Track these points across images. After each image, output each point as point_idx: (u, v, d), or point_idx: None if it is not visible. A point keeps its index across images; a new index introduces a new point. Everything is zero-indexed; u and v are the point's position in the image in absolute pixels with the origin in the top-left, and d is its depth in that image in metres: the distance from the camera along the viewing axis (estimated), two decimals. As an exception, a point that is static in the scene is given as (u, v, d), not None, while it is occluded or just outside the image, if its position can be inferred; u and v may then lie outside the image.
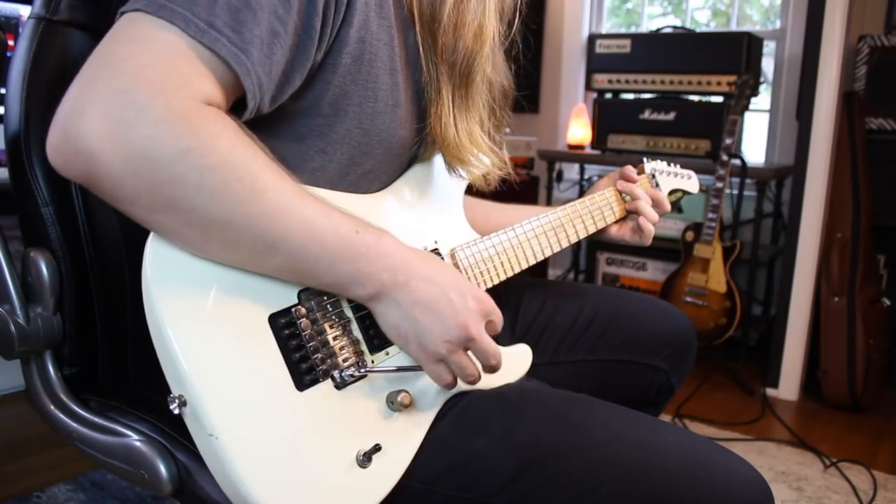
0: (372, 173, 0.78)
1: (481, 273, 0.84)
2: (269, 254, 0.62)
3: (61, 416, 0.85)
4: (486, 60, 0.78)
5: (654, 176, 1.08)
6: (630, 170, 1.02)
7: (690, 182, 1.15)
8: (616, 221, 1.02)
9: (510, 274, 0.86)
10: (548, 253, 0.92)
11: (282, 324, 0.66)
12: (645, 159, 1.10)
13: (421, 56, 0.76)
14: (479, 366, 0.71)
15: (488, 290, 0.83)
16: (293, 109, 0.70)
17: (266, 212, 0.59)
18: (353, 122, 0.72)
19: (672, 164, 1.12)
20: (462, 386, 0.77)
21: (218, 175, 0.57)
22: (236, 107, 0.63)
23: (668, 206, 1.03)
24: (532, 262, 0.89)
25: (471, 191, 0.91)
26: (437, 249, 0.82)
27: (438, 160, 0.84)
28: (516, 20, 0.85)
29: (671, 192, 1.10)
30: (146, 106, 0.54)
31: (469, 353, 0.70)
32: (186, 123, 0.55)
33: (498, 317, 0.72)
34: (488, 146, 0.83)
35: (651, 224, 1.00)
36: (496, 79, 0.85)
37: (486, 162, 0.84)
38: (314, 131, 0.72)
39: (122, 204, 0.58)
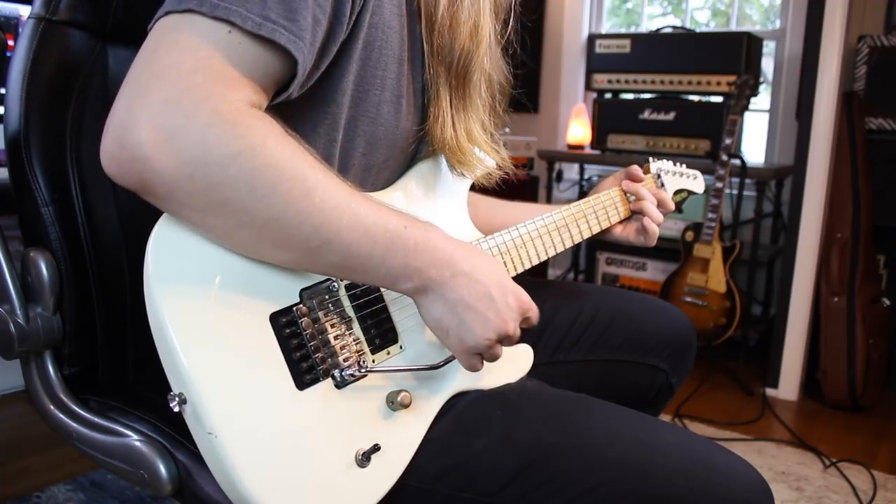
0: (376, 167, 0.78)
1: None
2: (323, 251, 0.62)
3: (61, 416, 0.85)
4: (483, 59, 0.79)
5: (659, 176, 1.08)
6: (636, 169, 1.02)
7: (696, 182, 1.14)
8: (620, 222, 1.02)
9: (513, 274, 0.86)
10: (552, 253, 0.91)
11: (283, 322, 0.66)
12: (651, 159, 1.10)
13: (425, 52, 0.76)
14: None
15: None
16: (309, 95, 0.70)
17: (317, 209, 0.60)
18: (360, 110, 0.73)
19: (678, 164, 1.12)
20: (462, 385, 0.78)
21: (268, 175, 0.58)
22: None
23: (672, 207, 1.03)
24: (536, 261, 0.89)
25: (473, 187, 0.91)
26: None
27: (441, 158, 0.85)
28: (511, 18, 0.85)
29: (676, 192, 1.10)
30: (194, 112, 0.55)
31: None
32: (235, 127, 0.56)
33: (535, 314, 0.73)
34: (489, 145, 0.83)
35: (655, 225, 1.00)
36: (494, 77, 0.85)
37: (489, 163, 0.85)
38: (326, 119, 0.72)
39: (175, 208, 0.59)
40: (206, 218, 0.60)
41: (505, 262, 0.85)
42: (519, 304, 0.71)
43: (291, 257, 0.63)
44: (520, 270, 0.87)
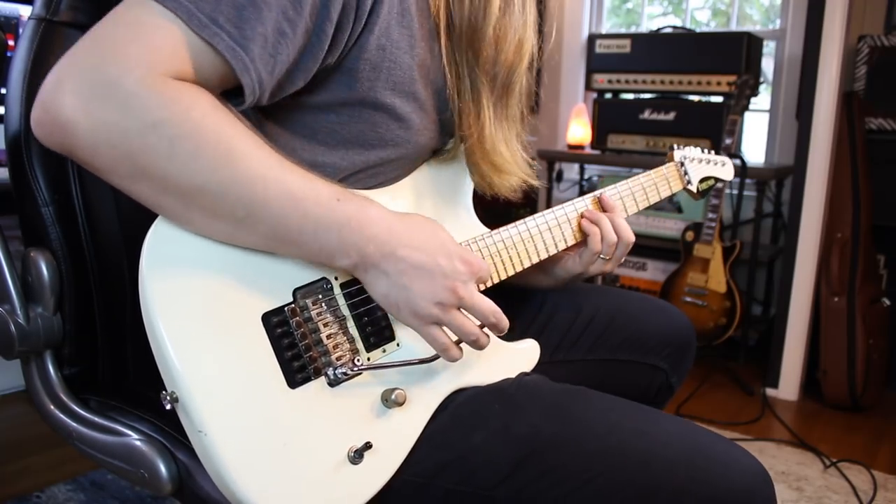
0: (382, 174, 0.78)
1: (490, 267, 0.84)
2: (251, 222, 0.62)
3: (61, 415, 0.85)
4: (525, 74, 0.80)
5: (682, 164, 1.06)
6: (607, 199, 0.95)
7: (724, 169, 1.11)
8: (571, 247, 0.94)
9: (519, 268, 0.86)
10: (561, 247, 0.90)
11: (274, 322, 0.67)
12: (675, 146, 1.08)
13: (445, 67, 0.77)
14: (475, 325, 0.71)
15: (494, 286, 0.83)
16: (307, 105, 0.71)
17: (242, 178, 0.60)
18: (368, 126, 0.73)
19: (705, 151, 1.10)
20: (461, 382, 0.78)
21: (190, 143, 0.58)
22: (233, 95, 0.64)
23: (630, 237, 0.93)
24: (544, 255, 0.88)
25: (475, 194, 0.91)
26: None
27: (452, 160, 0.85)
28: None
29: (703, 180, 1.08)
30: (119, 80, 0.56)
31: (465, 313, 0.70)
32: (158, 96, 0.57)
33: (487, 273, 0.72)
34: (522, 157, 0.84)
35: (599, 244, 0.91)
36: (526, 90, 0.86)
37: (523, 173, 0.85)
38: (325, 128, 0.73)
39: (101, 173, 0.60)
40: (133, 184, 0.60)
41: (511, 256, 0.85)
42: (468, 267, 0.70)
43: (222, 227, 0.63)
44: (526, 265, 0.86)
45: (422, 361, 0.73)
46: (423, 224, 0.70)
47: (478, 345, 0.72)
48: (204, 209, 0.61)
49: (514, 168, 0.83)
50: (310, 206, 0.63)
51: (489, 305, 0.71)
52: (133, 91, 0.56)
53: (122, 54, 0.57)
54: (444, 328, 0.70)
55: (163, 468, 0.75)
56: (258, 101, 0.64)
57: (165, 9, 0.58)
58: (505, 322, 0.72)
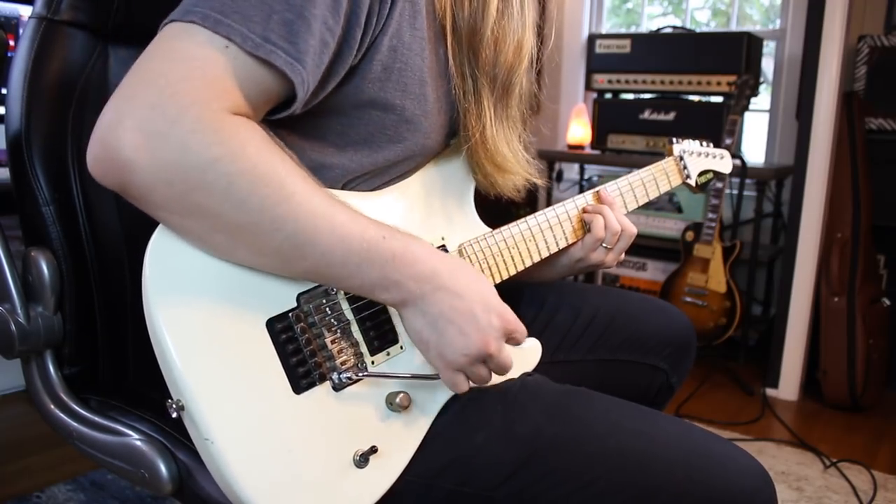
0: (389, 175, 0.78)
1: (489, 267, 0.84)
2: (297, 257, 0.63)
3: (61, 415, 0.85)
4: (524, 75, 0.81)
5: (682, 158, 1.06)
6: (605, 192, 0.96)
7: (723, 162, 1.10)
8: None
9: (521, 267, 0.86)
10: (563, 244, 0.91)
11: (279, 328, 0.66)
12: (674, 140, 1.08)
13: (452, 69, 0.77)
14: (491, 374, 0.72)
15: (498, 285, 0.83)
16: (318, 107, 0.71)
17: (293, 216, 0.60)
18: (377, 128, 0.73)
19: (704, 144, 1.09)
20: None
21: (246, 180, 0.58)
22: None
23: (632, 229, 0.93)
24: (545, 253, 0.89)
25: (477, 194, 0.91)
26: (444, 246, 0.82)
27: (453, 158, 0.85)
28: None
29: (702, 174, 1.08)
30: (178, 118, 0.56)
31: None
32: (216, 133, 0.57)
33: (521, 333, 0.72)
34: (524, 156, 0.85)
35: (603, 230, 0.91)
36: (526, 91, 0.86)
37: (525, 172, 0.85)
38: (335, 130, 0.73)
39: (153, 210, 0.60)
40: (183, 220, 0.60)
41: (512, 256, 0.85)
42: (503, 324, 0.70)
43: (266, 262, 0.64)
44: (528, 264, 0.87)
45: (426, 377, 0.73)
46: (468, 270, 0.71)
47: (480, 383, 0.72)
48: (251, 245, 0.62)
49: (517, 167, 0.83)
50: (355, 244, 0.63)
51: (509, 362, 0.71)
52: (192, 129, 0.56)
53: (179, 92, 0.56)
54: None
55: (163, 468, 0.75)
56: (295, 111, 0.65)
57: (216, 35, 0.58)
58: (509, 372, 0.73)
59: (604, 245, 0.92)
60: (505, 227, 0.86)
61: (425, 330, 0.68)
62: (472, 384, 0.72)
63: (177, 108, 0.56)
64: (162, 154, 0.56)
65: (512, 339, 0.72)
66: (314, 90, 0.65)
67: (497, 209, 0.97)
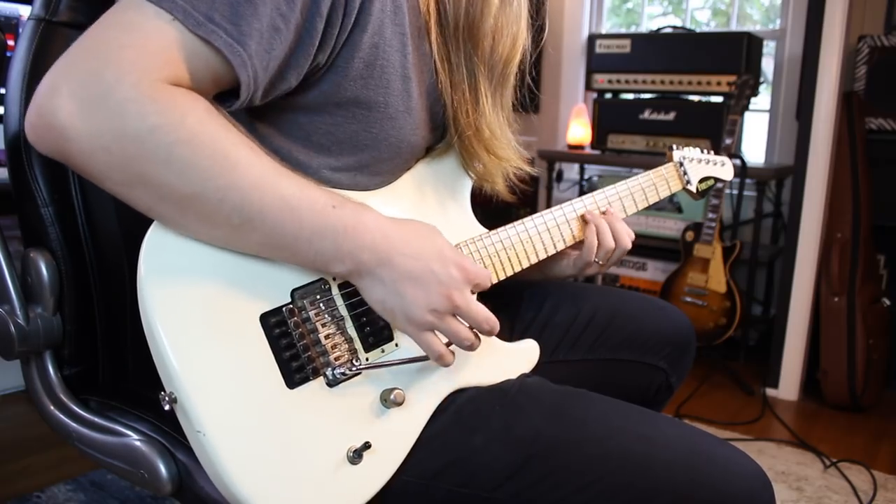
0: (377, 174, 0.78)
1: (486, 268, 0.84)
2: (247, 229, 0.62)
3: (61, 416, 0.85)
4: (517, 67, 0.82)
5: (681, 164, 1.06)
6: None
7: (724, 169, 1.11)
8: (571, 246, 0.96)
9: (518, 269, 0.86)
10: (560, 247, 0.91)
11: (272, 323, 0.67)
12: (674, 146, 1.08)
13: (436, 63, 0.77)
14: (470, 330, 0.71)
15: (493, 286, 0.83)
16: (300, 106, 0.71)
17: (237, 186, 0.60)
18: (362, 126, 0.73)
19: (704, 151, 1.10)
20: (461, 382, 0.78)
21: (186, 150, 0.58)
22: (226, 96, 0.64)
23: (627, 244, 0.93)
24: (542, 256, 0.89)
25: (479, 191, 0.91)
26: None
27: (445, 157, 0.85)
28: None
29: (702, 180, 1.08)
30: (115, 85, 0.56)
31: (459, 319, 0.71)
32: (154, 102, 0.56)
33: (485, 279, 0.72)
34: (516, 145, 0.86)
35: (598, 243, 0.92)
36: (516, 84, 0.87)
37: (517, 158, 0.86)
38: (320, 129, 0.72)
39: (96, 179, 0.60)
40: (129, 190, 0.60)
41: (509, 257, 0.85)
42: (464, 274, 0.70)
43: (218, 234, 0.64)
44: (525, 265, 0.87)
45: (418, 359, 0.73)
46: (419, 230, 0.71)
47: (471, 349, 0.72)
48: (199, 216, 0.61)
49: (510, 153, 0.84)
50: (305, 214, 0.63)
51: (483, 312, 0.71)
52: (129, 97, 0.56)
53: (118, 59, 0.56)
54: (439, 334, 0.70)
55: (163, 468, 0.75)
56: (251, 100, 0.64)
57: (161, 9, 0.58)
58: (497, 327, 0.73)
59: (596, 261, 0.92)
60: (502, 228, 0.86)
61: (388, 297, 0.68)
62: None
63: (114, 75, 0.56)
64: (97, 121, 0.55)
65: (477, 287, 0.72)
66: (271, 80, 0.64)
67: (496, 210, 0.97)
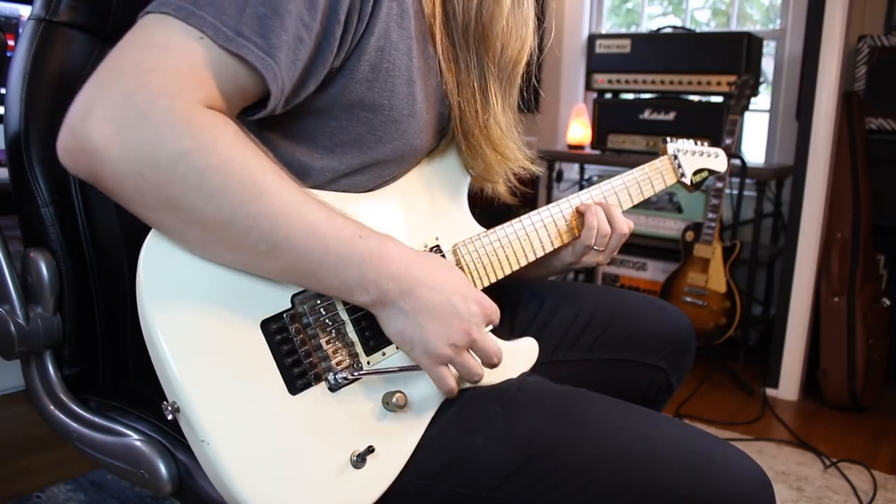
0: (379, 177, 0.78)
1: (484, 267, 0.84)
2: (272, 256, 0.62)
3: (61, 416, 0.85)
4: (523, 68, 0.83)
5: (676, 157, 1.06)
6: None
7: (718, 161, 1.11)
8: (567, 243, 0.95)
9: (516, 267, 0.86)
10: (557, 244, 0.91)
11: (273, 329, 0.66)
12: (668, 139, 1.08)
13: (441, 65, 0.78)
14: (481, 365, 0.72)
15: (493, 285, 0.83)
16: (305, 109, 0.71)
17: (266, 213, 0.60)
18: (366, 129, 0.73)
19: (699, 143, 1.10)
20: (461, 383, 0.78)
21: (217, 176, 0.58)
22: (249, 106, 0.65)
23: (624, 228, 0.93)
24: (540, 253, 0.89)
25: (480, 192, 0.91)
26: (438, 247, 0.82)
27: (445, 156, 0.85)
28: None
29: (696, 172, 1.08)
30: (148, 108, 0.55)
31: (472, 352, 0.71)
32: (186, 126, 0.56)
33: (497, 315, 0.73)
34: (522, 144, 0.86)
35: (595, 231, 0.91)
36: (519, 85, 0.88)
37: (524, 157, 0.86)
38: (324, 132, 0.73)
39: (126, 202, 0.59)
40: (158, 215, 0.60)
41: (507, 256, 0.86)
42: (481, 310, 0.71)
43: (242, 259, 0.64)
44: (523, 263, 0.87)
45: (417, 367, 0.73)
46: (439, 262, 0.71)
47: (476, 383, 0.73)
48: (226, 242, 0.61)
49: (517, 153, 0.85)
50: (331, 243, 0.63)
51: (495, 347, 0.72)
52: (162, 120, 0.56)
53: (149, 81, 0.56)
54: (451, 367, 0.71)
55: (163, 468, 0.75)
56: (273, 110, 0.65)
57: (189, 26, 0.58)
58: (501, 361, 0.73)
59: (595, 248, 0.92)
60: (499, 226, 0.86)
61: (408, 328, 0.68)
62: (466, 384, 0.72)
63: (147, 98, 0.55)
64: (131, 144, 0.55)
65: (491, 323, 0.73)
66: (294, 89, 0.65)
67: (496, 210, 0.97)
